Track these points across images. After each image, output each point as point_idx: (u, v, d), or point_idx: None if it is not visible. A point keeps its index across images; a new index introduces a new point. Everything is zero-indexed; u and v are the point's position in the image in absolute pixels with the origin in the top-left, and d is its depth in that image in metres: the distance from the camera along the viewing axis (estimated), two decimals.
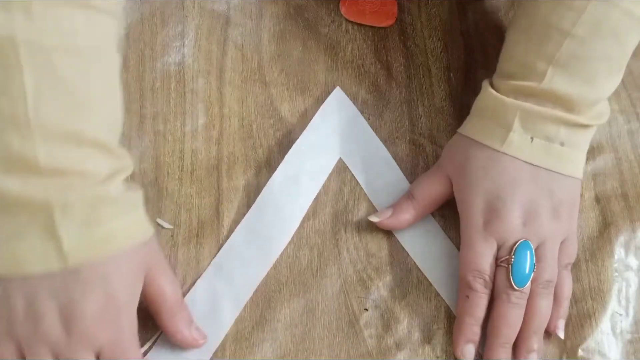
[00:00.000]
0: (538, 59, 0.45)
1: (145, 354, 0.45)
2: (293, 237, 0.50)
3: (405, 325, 0.47)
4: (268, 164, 0.52)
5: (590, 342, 0.47)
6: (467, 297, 0.46)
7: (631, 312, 0.48)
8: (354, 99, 0.55)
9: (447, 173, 0.49)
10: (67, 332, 0.39)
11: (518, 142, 0.46)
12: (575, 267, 0.49)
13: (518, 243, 0.45)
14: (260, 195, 0.50)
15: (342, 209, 0.51)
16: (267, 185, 0.51)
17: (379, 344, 0.46)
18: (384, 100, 0.56)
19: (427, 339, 0.47)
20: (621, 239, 0.50)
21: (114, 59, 0.42)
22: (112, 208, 0.40)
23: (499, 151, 0.46)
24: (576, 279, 0.49)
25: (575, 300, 0.48)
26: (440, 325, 0.47)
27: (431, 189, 0.49)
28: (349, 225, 0.50)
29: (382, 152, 0.53)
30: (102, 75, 0.41)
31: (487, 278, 0.45)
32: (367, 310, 0.47)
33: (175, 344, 0.44)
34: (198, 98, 0.55)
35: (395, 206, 0.49)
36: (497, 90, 0.47)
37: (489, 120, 0.47)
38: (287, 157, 0.52)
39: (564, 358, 0.46)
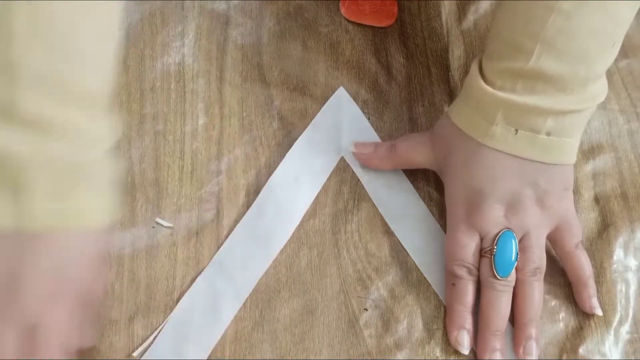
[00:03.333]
0: (524, 38, 0.43)
1: (143, 353, 0.45)
2: (293, 236, 0.50)
3: (405, 325, 0.47)
4: (268, 164, 0.52)
5: (590, 343, 0.47)
6: (453, 285, 0.46)
7: (631, 312, 0.48)
8: (354, 99, 0.55)
9: (435, 154, 0.49)
10: (7, 299, 0.36)
11: (501, 135, 0.45)
12: None
13: (500, 233, 0.45)
14: (260, 193, 0.51)
15: (342, 208, 0.51)
16: (267, 183, 0.51)
17: (379, 344, 0.46)
18: (384, 100, 0.56)
19: (427, 339, 0.47)
20: (620, 239, 0.50)
21: (111, 25, 0.40)
22: (87, 182, 0.38)
23: (481, 143, 0.45)
24: None
25: (575, 301, 0.48)
26: (440, 325, 0.47)
27: (414, 152, 0.50)
28: (349, 225, 0.50)
29: None
30: (97, 32, 0.38)
31: (471, 266, 0.46)
32: (366, 310, 0.47)
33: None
34: (198, 98, 0.55)
35: (376, 149, 0.51)
36: (485, 74, 0.46)
37: (473, 110, 0.46)
38: (288, 155, 0.52)
39: (564, 358, 0.46)
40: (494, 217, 0.45)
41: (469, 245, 0.46)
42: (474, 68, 0.47)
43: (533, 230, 0.45)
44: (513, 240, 0.45)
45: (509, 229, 0.45)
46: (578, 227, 0.47)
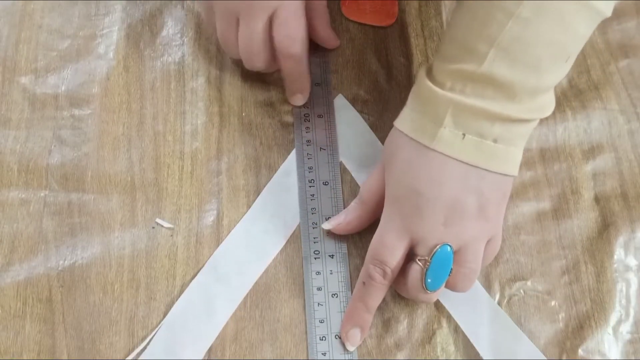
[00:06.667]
0: (480, 41, 0.42)
1: (140, 353, 0.45)
2: (292, 236, 0.50)
3: (405, 325, 0.47)
4: (268, 164, 0.52)
5: (590, 343, 0.47)
6: (363, 283, 0.45)
7: (631, 312, 0.48)
8: (353, 99, 0.55)
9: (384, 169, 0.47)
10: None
11: (448, 138, 0.43)
12: (575, 268, 0.49)
13: (438, 247, 0.43)
14: (257, 199, 0.51)
15: (342, 208, 0.51)
16: (265, 188, 0.51)
17: (379, 344, 0.46)
18: (384, 100, 0.56)
19: (427, 339, 0.47)
20: (620, 239, 0.50)
21: None
22: None
23: (427, 147, 0.44)
24: (576, 280, 0.49)
25: (575, 301, 0.48)
26: (440, 325, 0.47)
27: (374, 188, 0.48)
28: None
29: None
30: None
31: (388, 270, 0.44)
32: None
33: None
34: (198, 97, 0.55)
35: (347, 212, 0.49)
36: (434, 76, 0.45)
37: (420, 114, 0.45)
38: (286, 162, 0.52)
39: (564, 358, 0.46)
40: (433, 225, 0.43)
41: (395, 249, 0.44)
42: (421, 74, 0.46)
43: (472, 243, 0.44)
44: (448, 257, 0.43)
45: (446, 241, 0.43)
46: (497, 248, 0.47)
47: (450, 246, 0.43)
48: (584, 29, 0.43)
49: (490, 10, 0.42)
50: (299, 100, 0.54)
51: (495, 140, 0.43)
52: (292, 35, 0.51)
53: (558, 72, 0.44)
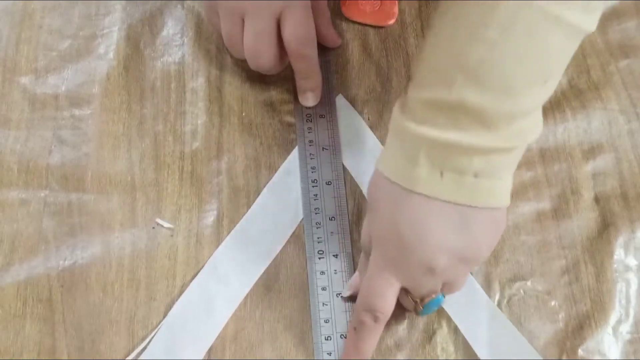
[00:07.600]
0: (448, 65, 0.39)
1: (140, 353, 0.45)
2: (293, 236, 0.50)
3: (405, 325, 0.47)
4: (268, 164, 0.52)
5: (590, 343, 0.47)
6: (355, 329, 0.44)
7: (631, 312, 0.48)
8: (353, 99, 0.55)
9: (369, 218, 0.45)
10: None
11: (426, 178, 0.40)
12: (575, 268, 0.49)
13: (429, 299, 0.43)
14: (257, 199, 0.51)
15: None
16: (265, 188, 0.51)
17: (379, 344, 0.46)
18: (384, 100, 0.56)
19: (427, 339, 0.47)
20: (620, 239, 0.50)
21: None
22: None
23: (407, 189, 0.41)
24: (576, 280, 0.49)
25: (574, 301, 0.48)
26: (440, 325, 0.47)
27: (369, 235, 0.45)
28: (349, 225, 0.50)
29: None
30: None
31: (380, 315, 0.43)
32: None
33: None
34: (198, 97, 0.55)
35: (357, 270, 0.47)
36: (408, 106, 0.41)
37: (397, 153, 0.42)
38: (287, 161, 0.52)
39: (564, 358, 0.46)
40: (420, 273, 0.42)
41: (385, 295, 0.43)
42: (396, 107, 0.43)
43: (461, 278, 0.45)
44: (441, 301, 0.44)
45: (436, 290, 0.43)
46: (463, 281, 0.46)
47: (442, 298, 0.44)
48: (559, 48, 0.39)
49: (454, 31, 0.39)
50: (310, 99, 0.54)
51: (476, 175, 0.40)
52: (303, 37, 0.51)
53: (537, 95, 0.40)
